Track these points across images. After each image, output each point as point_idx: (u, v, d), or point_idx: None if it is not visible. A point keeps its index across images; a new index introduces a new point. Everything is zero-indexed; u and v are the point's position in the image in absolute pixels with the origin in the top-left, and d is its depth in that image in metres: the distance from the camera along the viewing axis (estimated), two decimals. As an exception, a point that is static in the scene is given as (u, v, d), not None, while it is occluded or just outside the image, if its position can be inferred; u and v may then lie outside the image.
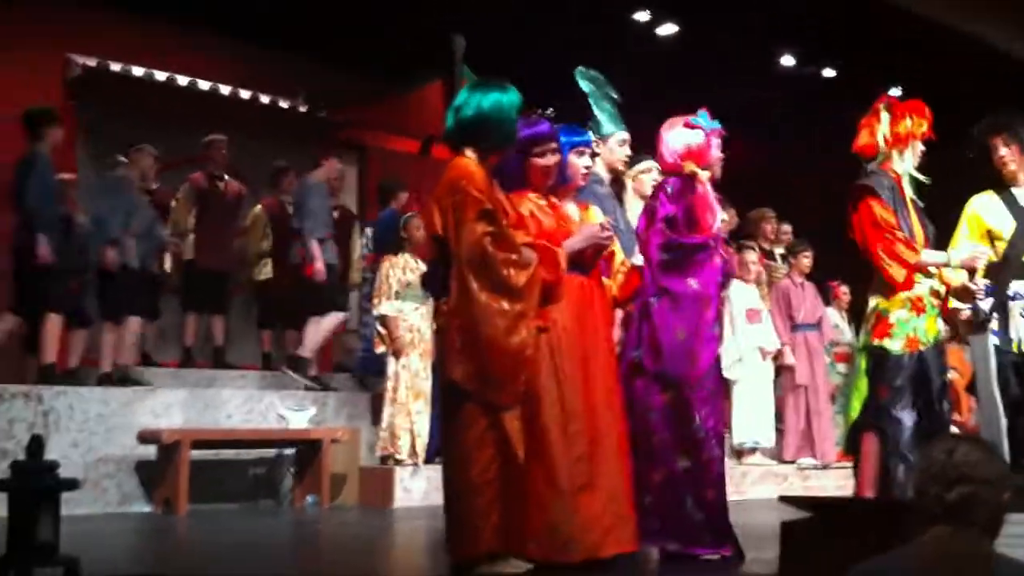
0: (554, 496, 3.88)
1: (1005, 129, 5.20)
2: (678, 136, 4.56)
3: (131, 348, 7.53)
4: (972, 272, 4.80)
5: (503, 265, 3.87)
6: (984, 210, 5.20)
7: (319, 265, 7.92)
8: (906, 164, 4.86)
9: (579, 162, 4.50)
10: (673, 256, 4.39)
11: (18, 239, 6.94)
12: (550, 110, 4.44)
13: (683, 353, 4.34)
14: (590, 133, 4.96)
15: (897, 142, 4.83)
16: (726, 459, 4.66)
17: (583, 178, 4.54)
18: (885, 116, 4.85)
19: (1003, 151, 5.18)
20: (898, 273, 4.65)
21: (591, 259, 4.26)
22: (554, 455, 3.91)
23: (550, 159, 4.24)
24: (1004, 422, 4.59)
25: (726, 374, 8.02)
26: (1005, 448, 4.53)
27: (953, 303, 4.98)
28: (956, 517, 2.15)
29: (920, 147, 4.87)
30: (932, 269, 4.76)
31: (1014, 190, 5.23)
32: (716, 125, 4.60)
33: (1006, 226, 5.16)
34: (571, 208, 4.45)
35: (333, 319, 8.26)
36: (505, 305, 3.84)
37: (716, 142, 4.57)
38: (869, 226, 4.73)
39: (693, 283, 4.36)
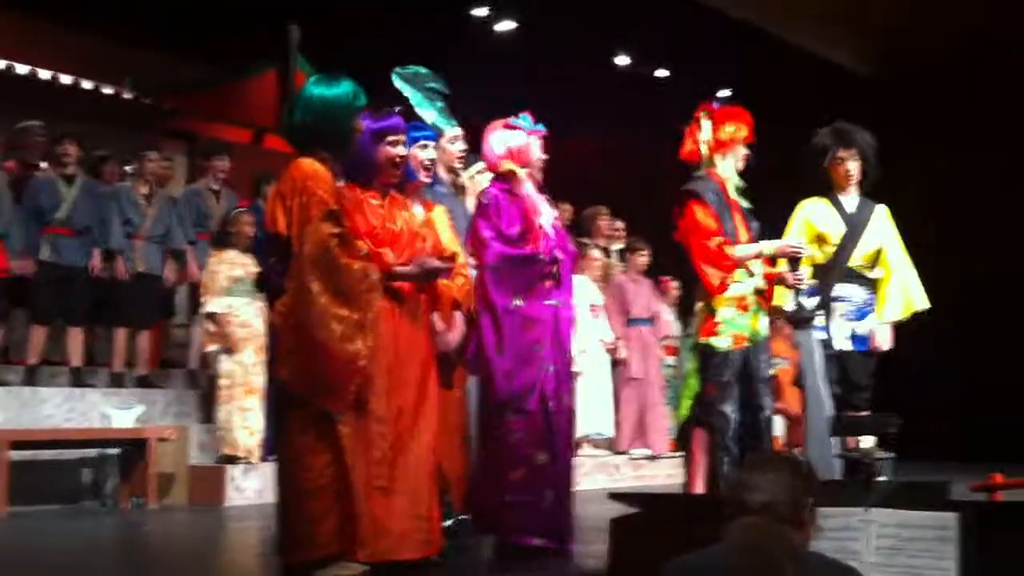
0: (356, 498, 3.85)
1: (854, 145, 5.45)
2: (499, 138, 4.61)
3: None
4: (792, 262, 4.96)
5: (346, 271, 3.79)
6: (815, 215, 5.44)
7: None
8: (729, 168, 5.00)
9: (422, 155, 4.46)
10: (502, 268, 4.40)
11: None
12: (398, 108, 4.39)
13: (501, 372, 4.39)
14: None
15: (719, 147, 4.96)
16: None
17: (426, 173, 4.50)
18: (706, 124, 4.98)
19: (851, 165, 5.43)
20: (713, 278, 4.78)
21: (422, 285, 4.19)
22: (357, 458, 3.87)
23: (400, 150, 4.15)
24: (830, 413, 4.78)
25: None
26: (831, 438, 4.72)
27: (779, 300, 5.16)
28: (763, 512, 2.29)
29: (743, 150, 5.01)
30: (755, 268, 4.91)
31: (842, 197, 5.49)
32: (538, 127, 4.64)
33: (836, 231, 5.41)
34: (417, 208, 4.39)
35: None
36: (344, 312, 3.76)
37: (537, 143, 4.61)
38: (691, 231, 4.85)
39: (518, 302, 4.38)
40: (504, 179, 4.60)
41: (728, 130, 4.94)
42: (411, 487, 4.00)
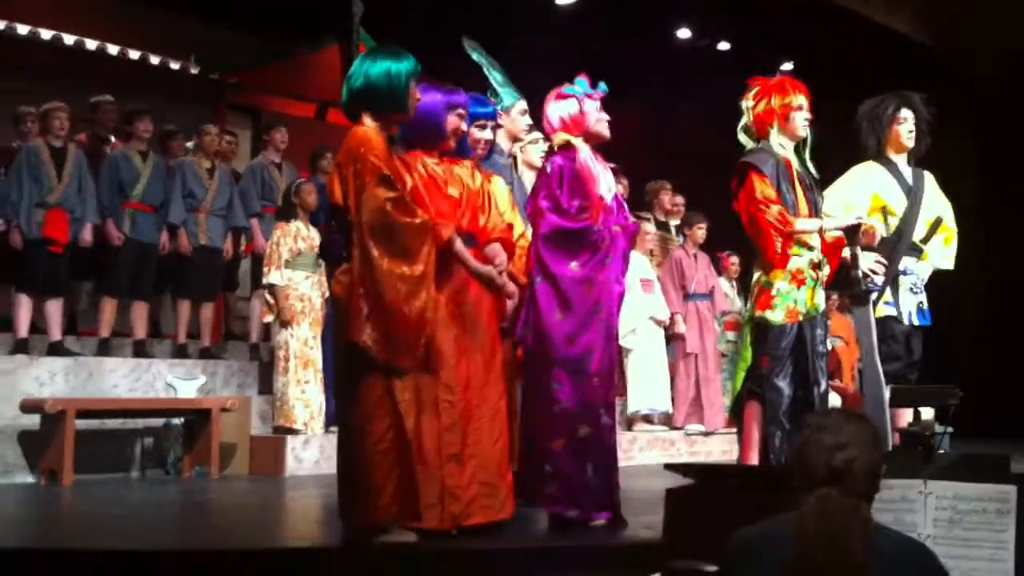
0: (420, 464, 3.92)
1: (914, 108, 5.39)
2: (553, 108, 4.59)
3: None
4: (851, 237, 4.88)
5: (404, 229, 3.88)
6: (879, 186, 5.33)
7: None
8: (786, 138, 4.92)
9: (480, 135, 4.55)
10: (555, 238, 4.41)
11: None
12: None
13: (562, 336, 4.37)
14: (494, 105, 4.92)
15: (772, 119, 4.89)
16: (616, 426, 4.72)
17: (482, 149, 4.59)
18: (749, 102, 4.93)
19: (911, 128, 5.36)
20: (772, 247, 4.74)
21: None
22: (423, 424, 3.95)
23: (464, 125, 4.35)
24: (887, 392, 4.73)
25: (621, 343, 8.11)
26: (887, 415, 4.67)
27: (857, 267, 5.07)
28: (837, 482, 2.21)
29: (800, 119, 4.91)
30: (813, 241, 4.85)
31: (897, 163, 5.39)
32: (594, 89, 4.57)
33: (899, 203, 5.32)
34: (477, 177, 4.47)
35: None
36: (406, 270, 3.86)
37: (594, 105, 4.56)
38: (750, 201, 4.81)
39: (574, 265, 4.38)
40: (563, 150, 4.57)
41: (781, 101, 4.88)
42: (480, 453, 4.10)
